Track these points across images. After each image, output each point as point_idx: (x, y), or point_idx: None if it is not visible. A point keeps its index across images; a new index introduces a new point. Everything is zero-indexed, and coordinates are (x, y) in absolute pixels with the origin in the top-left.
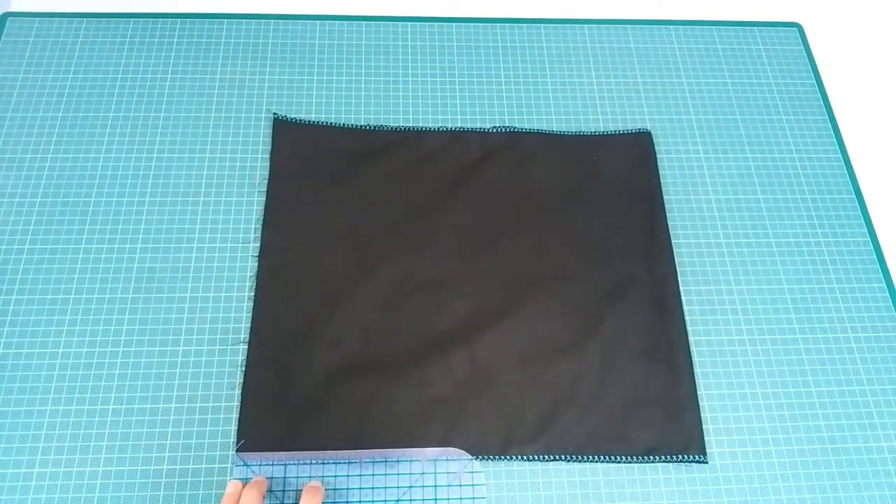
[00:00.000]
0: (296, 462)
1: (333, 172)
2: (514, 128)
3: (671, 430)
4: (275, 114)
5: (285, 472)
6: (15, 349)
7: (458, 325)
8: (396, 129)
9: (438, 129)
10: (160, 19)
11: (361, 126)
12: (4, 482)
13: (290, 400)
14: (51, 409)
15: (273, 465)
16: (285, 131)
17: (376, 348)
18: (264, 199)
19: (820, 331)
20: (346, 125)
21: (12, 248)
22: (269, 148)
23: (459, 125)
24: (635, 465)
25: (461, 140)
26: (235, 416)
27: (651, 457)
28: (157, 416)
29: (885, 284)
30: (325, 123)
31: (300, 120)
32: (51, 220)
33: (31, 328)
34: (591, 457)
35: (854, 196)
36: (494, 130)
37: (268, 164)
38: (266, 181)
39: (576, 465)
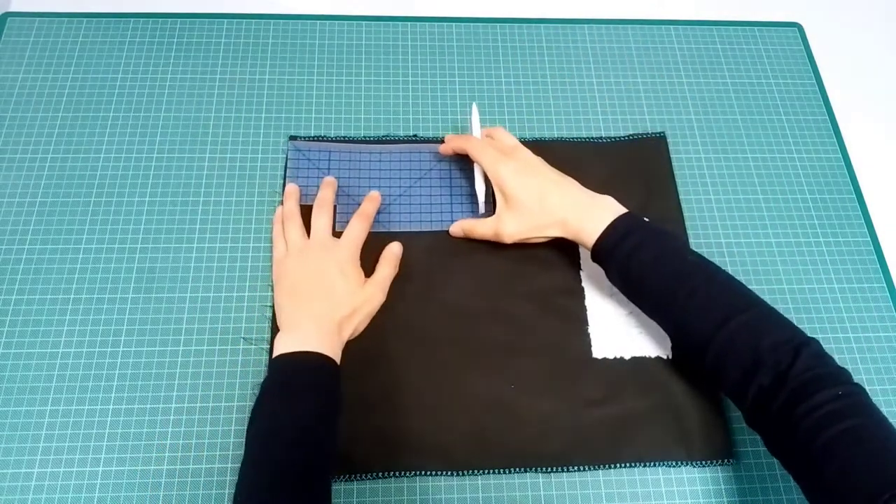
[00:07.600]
0: (338, 151)
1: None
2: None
3: (700, 436)
4: (291, 136)
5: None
6: (15, 349)
7: (491, 345)
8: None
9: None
10: (160, 19)
11: (376, 136)
12: (4, 482)
13: None
14: (51, 409)
15: (320, 151)
16: (299, 156)
17: (407, 372)
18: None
19: (820, 331)
20: (363, 137)
21: (12, 248)
22: (281, 161)
23: (460, 125)
24: (665, 468)
25: None
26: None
27: (679, 462)
28: (157, 416)
29: (885, 284)
30: (340, 137)
31: (313, 138)
32: (51, 220)
33: (31, 328)
34: (621, 464)
35: (854, 196)
36: None
37: (267, 164)
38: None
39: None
